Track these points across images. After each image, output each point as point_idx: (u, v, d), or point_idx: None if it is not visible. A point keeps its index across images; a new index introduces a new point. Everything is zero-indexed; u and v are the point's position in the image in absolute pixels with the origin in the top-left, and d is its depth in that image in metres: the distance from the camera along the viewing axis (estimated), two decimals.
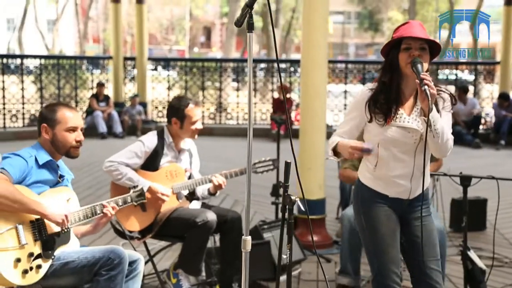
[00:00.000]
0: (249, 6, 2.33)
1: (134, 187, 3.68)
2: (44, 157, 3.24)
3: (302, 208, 2.63)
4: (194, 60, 17.45)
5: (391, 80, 2.99)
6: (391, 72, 2.99)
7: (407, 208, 3.10)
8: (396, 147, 2.99)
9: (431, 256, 3.08)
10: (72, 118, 3.32)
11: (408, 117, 2.99)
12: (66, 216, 3.11)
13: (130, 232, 4.19)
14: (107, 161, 4.13)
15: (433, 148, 2.99)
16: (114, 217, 4.16)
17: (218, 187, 4.23)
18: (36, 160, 3.21)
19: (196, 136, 4.28)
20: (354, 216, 4.21)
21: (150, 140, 4.21)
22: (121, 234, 4.22)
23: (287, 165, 2.68)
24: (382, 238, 3.06)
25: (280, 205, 4.91)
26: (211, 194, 4.36)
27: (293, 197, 2.66)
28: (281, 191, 2.99)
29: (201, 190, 4.40)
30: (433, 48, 2.98)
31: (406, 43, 2.94)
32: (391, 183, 3.04)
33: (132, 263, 3.29)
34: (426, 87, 2.79)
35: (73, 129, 3.30)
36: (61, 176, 3.37)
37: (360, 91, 3.10)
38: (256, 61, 15.18)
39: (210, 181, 4.23)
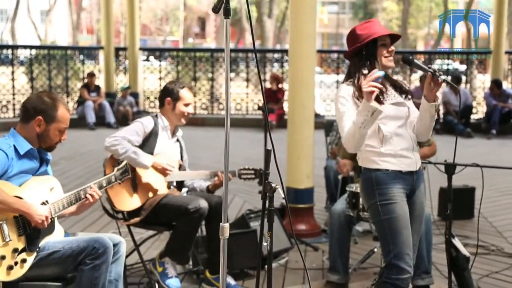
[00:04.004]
0: None
1: (118, 163, 3.63)
2: (24, 146, 3.17)
3: (282, 195, 2.62)
4: (186, 50, 17.40)
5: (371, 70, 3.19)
6: (371, 64, 3.23)
7: (414, 186, 3.28)
8: (394, 121, 3.22)
9: (417, 231, 3.32)
10: (68, 119, 3.30)
11: (391, 95, 3.28)
12: (46, 217, 3.08)
13: (117, 212, 4.18)
14: (109, 137, 4.11)
15: (425, 131, 3.30)
16: (105, 194, 4.15)
17: (220, 184, 4.30)
18: (16, 149, 3.14)
19: (184, 121, 4.32)
20: (343, 210, 4.24)
21: (148, 120, 4.27)
22: (108, 213, 4.24)
23: (267, 152, 2.68)
24: (398, 219, 3.17)
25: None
26: (209, 191, 4.40)
27: (273, 185, 2.66)
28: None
29: (198, 186, 4.46)
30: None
31: (381, 39, 3.25)
32: (399, 156, 3.22)
33: (113, 246, 3.27)
34: (442, 76, 3.06)
35: (65, 130, 3.29)
36: (43, 160, 3.31)
37: (341, 88, 3.28)
38: (240, 51, 15.16)
39: (211, 176, 4.29)
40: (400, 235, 3.16)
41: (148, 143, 4.21)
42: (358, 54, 3.26)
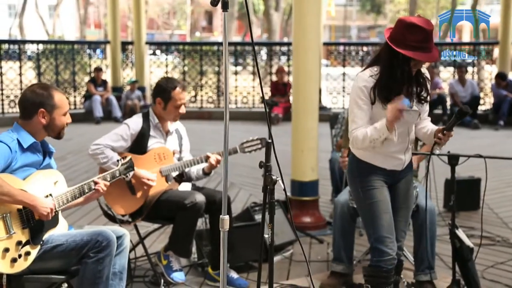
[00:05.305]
0: None
1: (123, 158, 3.61)
2: (27, 139, 3.18)
3: (282, 186, 2.63)
4: (193, 44, 17.40)
5: (402, 72, 3.15)
6: (403, 65, 3.14)
7: (397, 178, 3.38)
8: (400, 127, 3.21)
9: (404, 217, 3.43)
10: (66, 101, 3.33)
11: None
12: (51, 209, 3.10)
13: (122, 216, 4.20)
14: (93, 144, 4.14)
15: (423, 141, 3.57)
16: (104, 202, 4.18)
17: (214, 165, 4.22)
18: (19, 143, 3.15)
19: (177, 120, 4.29)
20: (347, 201, 4.24)
21: (135, 122, 4.22)
22: (111, 218, 4.24)
23: (268, 145, 2.69)
24: (377, 204, 3.28)
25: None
26: (206, 174, 4.35)
27: (274, 177, 2.67)
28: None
29: (196, 171, 4.39)
30: None
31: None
32: (390, 157, 3.31)
33: (117, 238, 3.29)
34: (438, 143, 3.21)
35: (67, 112, 3.31)
36: (47, 153, 3.33)
37: (361, 78, 3.22)
38: (247, 44, 15.17)
39: (203, 160, 4.22)
40: (379, 219, 3.27)
41: (138, 144, 4.19)
42: (394, 51, 3.11)
